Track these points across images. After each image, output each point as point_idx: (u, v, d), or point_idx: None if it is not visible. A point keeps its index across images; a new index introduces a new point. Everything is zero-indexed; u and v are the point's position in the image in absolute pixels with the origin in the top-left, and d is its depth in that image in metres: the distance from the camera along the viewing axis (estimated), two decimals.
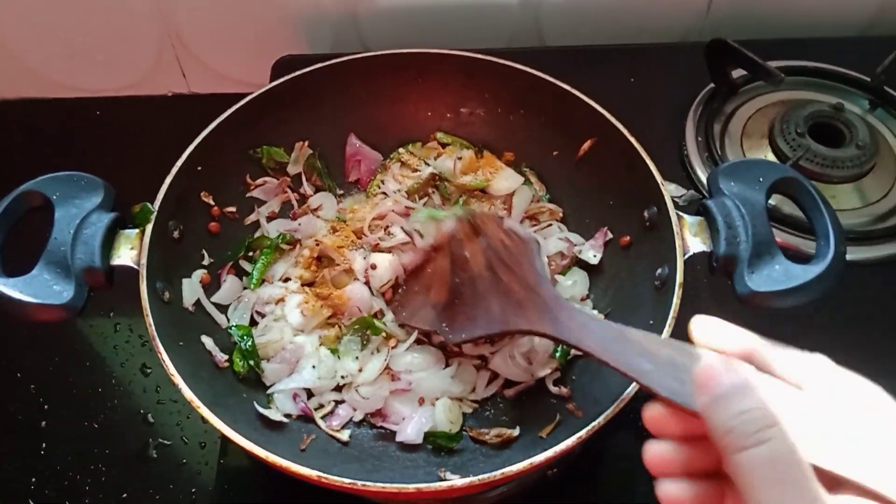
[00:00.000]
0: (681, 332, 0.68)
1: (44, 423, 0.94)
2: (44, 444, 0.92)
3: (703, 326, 0.53)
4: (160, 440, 0.92)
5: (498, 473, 0.60)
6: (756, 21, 1.25)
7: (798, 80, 1.17)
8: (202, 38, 1.23)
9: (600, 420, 0.64)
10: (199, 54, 1.25)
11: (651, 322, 0.72)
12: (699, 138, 1.11)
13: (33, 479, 0.89)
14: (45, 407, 0.95)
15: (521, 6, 1.22)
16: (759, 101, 1.15)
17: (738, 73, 1.14)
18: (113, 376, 0.98)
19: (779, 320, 0.87)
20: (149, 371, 0.98)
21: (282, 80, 0.89)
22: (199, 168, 0.85)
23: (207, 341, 0.81)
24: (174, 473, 0.90)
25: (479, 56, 0.92)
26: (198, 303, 0.84)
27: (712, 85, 1.16)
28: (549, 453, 0.61)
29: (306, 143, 0.97)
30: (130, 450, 0.92)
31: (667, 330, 0.67)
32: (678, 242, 0.72)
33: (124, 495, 0.88)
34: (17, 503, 0.87)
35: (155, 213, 0.75)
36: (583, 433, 0.63)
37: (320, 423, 0.82)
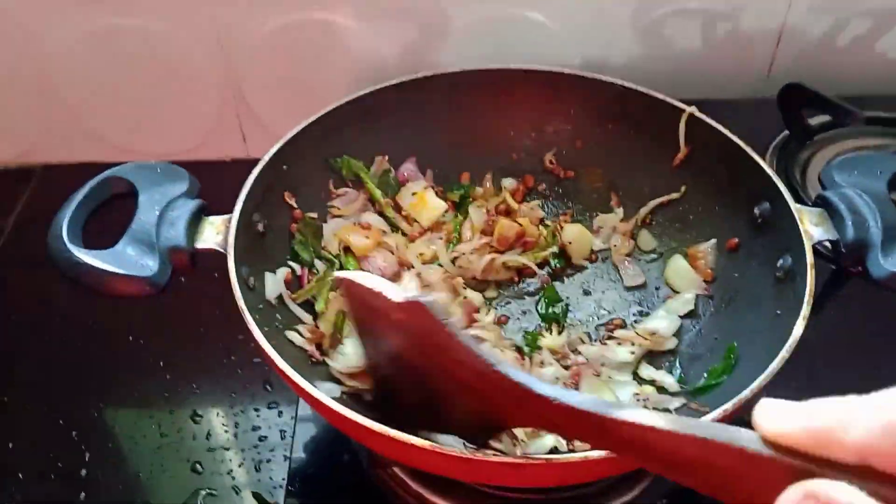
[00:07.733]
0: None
1: (84, 471, 0.86)
2: (83, 494, 0.84)
3: (767, 413, 0.38)
4: (209, 490, 0.83)
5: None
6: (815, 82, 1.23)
7: (871, 130, 1.15)
8: (267, 103, 1.25)
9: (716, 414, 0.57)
10: (262, 119, 1.27)
11: (778, 312, 0.68)
12: None
13: None
14: (87, 455, 0.87)
15: (583, 66, 1.22)
16: (834, 148, 1.14)
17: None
18: (161, 423, 0.90)
19: None
20: (199, 418, 0.91)
21: (364, 91, 0.89)
22: (285, 167, 0.84)
23: (294, 336, 0.77)
24: None
25: (566, 71, 0.92)
26: (280, 299, 0.80)
27: (785, 133, 1.14)
28: None
29: (386, 158, 0.96)
30: (177, 501, 0.83)
31: (804, 311, 0.62)
32: (803, 230, 0.68)
33: None
34: None
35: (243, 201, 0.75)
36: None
37: None
